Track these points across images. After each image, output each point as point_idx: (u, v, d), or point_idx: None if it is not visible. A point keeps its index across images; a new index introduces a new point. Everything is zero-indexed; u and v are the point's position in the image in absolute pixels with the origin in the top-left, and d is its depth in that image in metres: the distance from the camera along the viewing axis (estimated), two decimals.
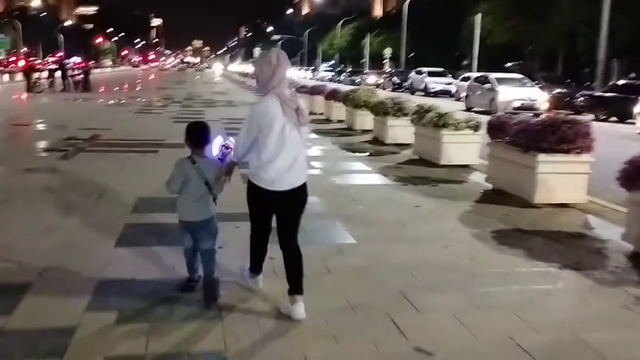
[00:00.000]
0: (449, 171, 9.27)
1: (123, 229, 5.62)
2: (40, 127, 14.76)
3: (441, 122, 9.55)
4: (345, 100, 15.65)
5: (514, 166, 7.39)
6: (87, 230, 5.59)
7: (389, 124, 12.19)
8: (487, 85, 23.32)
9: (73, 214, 6.12)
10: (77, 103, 22.97)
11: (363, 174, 9.17)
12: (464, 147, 9.60)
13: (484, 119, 9.65)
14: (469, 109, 21.55)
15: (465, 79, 31.56)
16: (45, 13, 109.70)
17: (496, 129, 7.99)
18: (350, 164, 10.08)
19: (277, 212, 3.80)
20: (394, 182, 8.40)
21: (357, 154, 11.16)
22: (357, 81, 50.13)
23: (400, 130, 12.07)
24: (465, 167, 9.57)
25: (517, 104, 21.36)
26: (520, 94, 22.20)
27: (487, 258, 5.10)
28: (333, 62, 78.21)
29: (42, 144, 11.53)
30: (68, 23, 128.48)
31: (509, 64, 38.31)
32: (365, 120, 14.52)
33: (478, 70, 36.79)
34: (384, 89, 38.02)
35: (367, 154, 11.23)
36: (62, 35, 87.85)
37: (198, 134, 3.98)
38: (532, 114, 9.94)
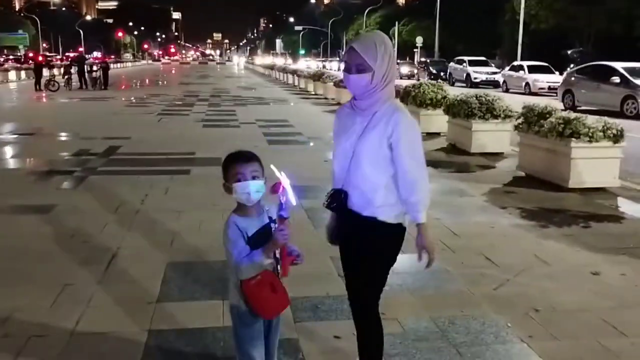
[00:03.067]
0: (585, 198, 6.80)
1: (144, 349, 3.28)
2: (47, 137, 12.28)
3: (568, 130, 7.06)
4: (404, 97, 13.14)
5: None
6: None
7: (475, 129, 9.70)
8: (615, 79, 17.85)
9: (66, 311, 3.80)
10: (93, 103, 20.70)
11: (470, 207, 6.52)
12: (601, 165, 7.11)
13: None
14: (571, 108, 16.09)
15: (516, 68, 28.78)
16: (65, 8, 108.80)
17: None
18: (440, 186, 7.56)
19: None
20: (525, 222, 5.90)
21: (439, 170, 8.69)
22: None
23: (489, 136, 9.67)
24: (601, 190, 7.11)
25: None
26: None
27: None
28: None
29: (44, 163, 9.12)
30: (88, 18, 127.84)
31: (569, 51, 35.08)
32: (431, 121, 12.15)
33: (522, 59, 33.85)
34: (418, 80, 35.24)
35: (453, 169, 8.75)
36: (82, 31, 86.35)
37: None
38: None
